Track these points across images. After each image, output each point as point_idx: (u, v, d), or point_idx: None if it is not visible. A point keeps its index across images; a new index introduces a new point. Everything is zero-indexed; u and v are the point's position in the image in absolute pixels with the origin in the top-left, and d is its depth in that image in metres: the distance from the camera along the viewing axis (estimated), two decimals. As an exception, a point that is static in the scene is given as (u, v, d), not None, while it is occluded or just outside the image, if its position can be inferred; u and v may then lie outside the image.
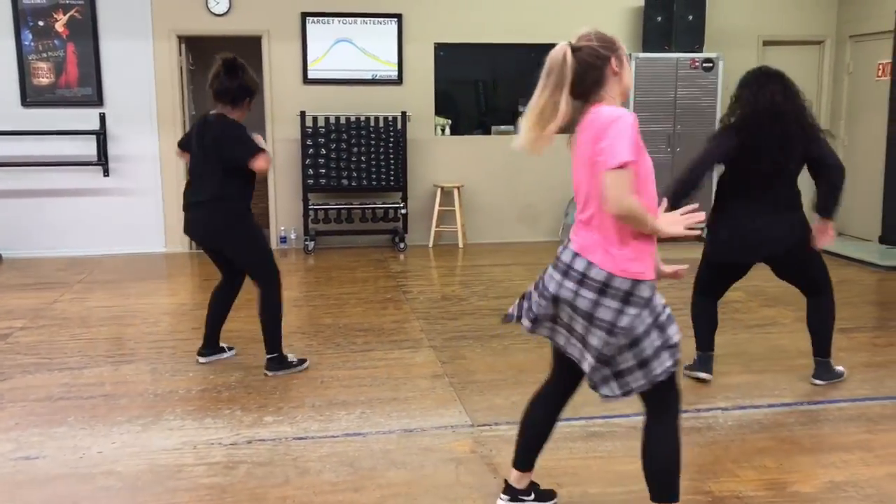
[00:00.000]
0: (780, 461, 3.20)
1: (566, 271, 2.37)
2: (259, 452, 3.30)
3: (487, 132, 8.52)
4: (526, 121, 2.33)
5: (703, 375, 4.09)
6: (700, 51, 8.13)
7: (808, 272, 3.99)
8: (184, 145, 4.51)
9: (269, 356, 4.27)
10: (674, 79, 8.05)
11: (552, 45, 2.33)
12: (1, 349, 4.71)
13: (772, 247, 3.83)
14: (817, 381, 4.05)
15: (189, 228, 4.28)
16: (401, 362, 4.47)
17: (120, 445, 3.37)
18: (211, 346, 4.49)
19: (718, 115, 8.26)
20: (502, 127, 8.49)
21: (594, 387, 2.42)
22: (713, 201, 3.98)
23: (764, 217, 3.79)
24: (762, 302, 5.68)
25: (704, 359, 4.12)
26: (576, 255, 2.36)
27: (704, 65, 8.04)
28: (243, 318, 5.30)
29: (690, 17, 8.09)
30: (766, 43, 8.68)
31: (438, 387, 4.07)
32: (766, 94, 3.74)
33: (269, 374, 4.24)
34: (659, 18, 8.08)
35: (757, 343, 4.80)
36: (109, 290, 6.26)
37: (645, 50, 8.08)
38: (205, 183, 4.13)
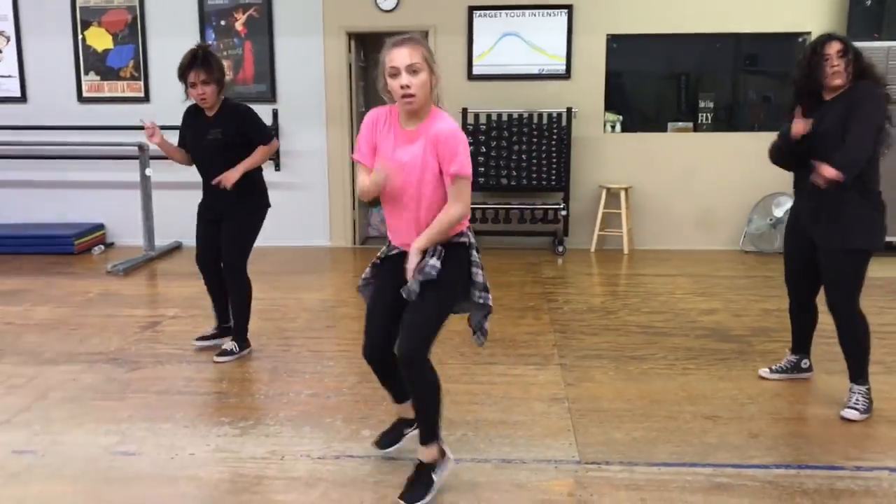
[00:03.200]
0: (952, 550, 2.56)
1: None
2: (343, 470, 3.13)
3: (663, 129, 7.89)
4: None
5: None
6: (918, 38, 7.06)
7: None
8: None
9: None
10: (884, 71, 6.98)
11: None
12: (146, 338, 4.92)
13: None
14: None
15: None
16: (522, 380, 4.14)
17: (213, 449, 3.33)
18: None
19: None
20: (679, 124, 7.84)
21: None
22: (869, 181, 3.62)
23: None
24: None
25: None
26: None
27: (922, 54, 6.96)
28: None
29: (908, -1, 7.05)
30: None
31: (554, 412, 3.71)
32: None
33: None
34: (868, 2, 7.09)
35: (954, 388, 4.00)
36: (263, 283, 6.37)
37: (851, 38, 7.10)
38: None
